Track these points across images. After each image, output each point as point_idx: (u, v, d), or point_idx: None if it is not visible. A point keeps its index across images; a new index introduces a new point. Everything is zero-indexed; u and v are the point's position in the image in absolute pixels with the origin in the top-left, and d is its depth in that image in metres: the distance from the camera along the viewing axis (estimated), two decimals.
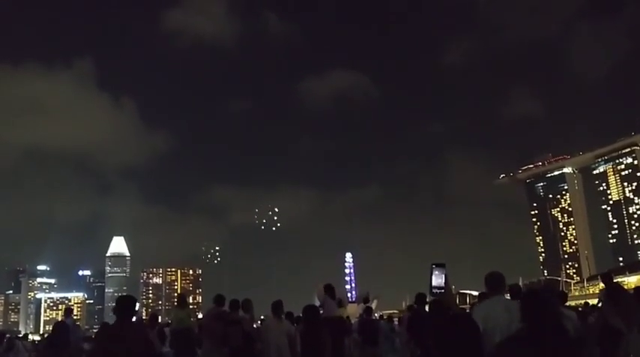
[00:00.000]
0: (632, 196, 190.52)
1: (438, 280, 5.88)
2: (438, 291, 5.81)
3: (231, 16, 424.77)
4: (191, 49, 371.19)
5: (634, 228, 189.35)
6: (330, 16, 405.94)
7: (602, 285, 14.05)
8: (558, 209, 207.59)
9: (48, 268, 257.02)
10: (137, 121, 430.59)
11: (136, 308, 7.04)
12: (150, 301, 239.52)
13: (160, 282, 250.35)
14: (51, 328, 8.61)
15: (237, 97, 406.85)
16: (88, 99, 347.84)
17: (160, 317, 15.43)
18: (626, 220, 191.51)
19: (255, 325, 12.57)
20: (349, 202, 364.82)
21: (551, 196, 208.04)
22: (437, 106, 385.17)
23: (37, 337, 34.07)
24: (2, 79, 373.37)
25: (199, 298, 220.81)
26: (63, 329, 8.15)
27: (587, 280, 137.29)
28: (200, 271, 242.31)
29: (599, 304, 12.58)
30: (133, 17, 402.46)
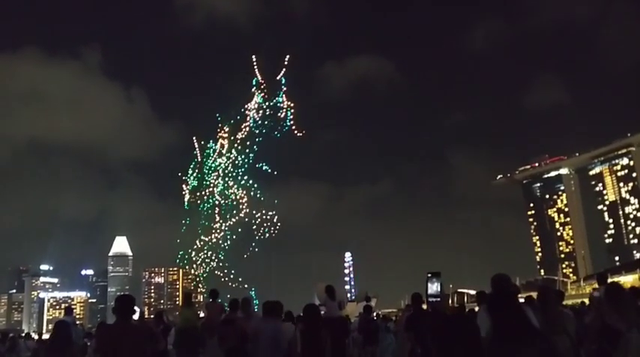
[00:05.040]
0: (628, 197, 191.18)
1: (433, 288, 6.86)
2: (434, 299, 6.70)
3: None
4: (205, 34, 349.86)
5: (630, 228, 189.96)
6: None
7: (596, 285, 14.56)
8: (555, 209, 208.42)
9: (51, 268, 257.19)
10: (148, 112, 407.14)
11: (135, 307, 6.96)
12: (152, 300, 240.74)
13: (162, 281, 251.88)
14: (52, 327, 8.57)
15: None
16: (95, 89, 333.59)
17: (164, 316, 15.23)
18: (622, 221, 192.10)
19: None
20: (355, 200, 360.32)
21: (547, 196, 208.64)
22: (455, 96, 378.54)
23: (36, 337, 35.45)
24: (2, 67, 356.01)
25: (200, 297, 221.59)
26: (64, 327, 8.15)
27: (583, 280, 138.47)
28: (201, 268, 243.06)
29: (590, 303, 13.53)
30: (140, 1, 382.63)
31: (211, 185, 40.68)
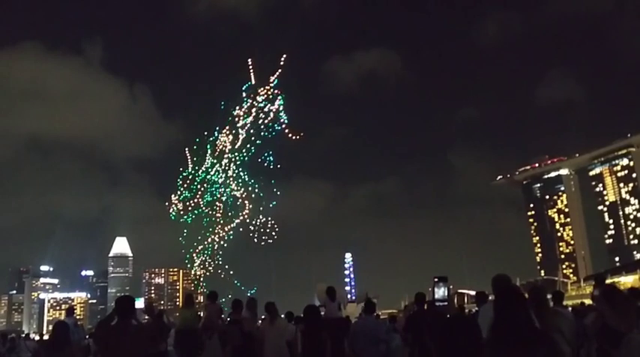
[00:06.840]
0: (628, 197, 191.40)
1: (440, 292, 6.80)
2: (442, 304, 6.68)
3: None
4: (209, 26, 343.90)
5: (630, 228, 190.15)
6: None
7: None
8: (555, 210, 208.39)
9: (51, 269, 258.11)
10: (151, 108, 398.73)
11: (136, 308, 7.04)
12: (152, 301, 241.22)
13: (162, 282, 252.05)
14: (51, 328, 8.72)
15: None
16: (96, 84, 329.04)
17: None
18: (622, 221, 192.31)
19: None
20: (357, 199, 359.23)
21: (547, 197, 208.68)
22: (456, 96, 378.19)
23: (36, 337, 35.55)
24: (2, 62, 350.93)
25: (201, 298, 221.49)
26: (62, 328, 8.22)
27: (583, 280, 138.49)
28: (202, 271, 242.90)
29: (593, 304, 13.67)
30: None
31: (200, 192, 39.85)
